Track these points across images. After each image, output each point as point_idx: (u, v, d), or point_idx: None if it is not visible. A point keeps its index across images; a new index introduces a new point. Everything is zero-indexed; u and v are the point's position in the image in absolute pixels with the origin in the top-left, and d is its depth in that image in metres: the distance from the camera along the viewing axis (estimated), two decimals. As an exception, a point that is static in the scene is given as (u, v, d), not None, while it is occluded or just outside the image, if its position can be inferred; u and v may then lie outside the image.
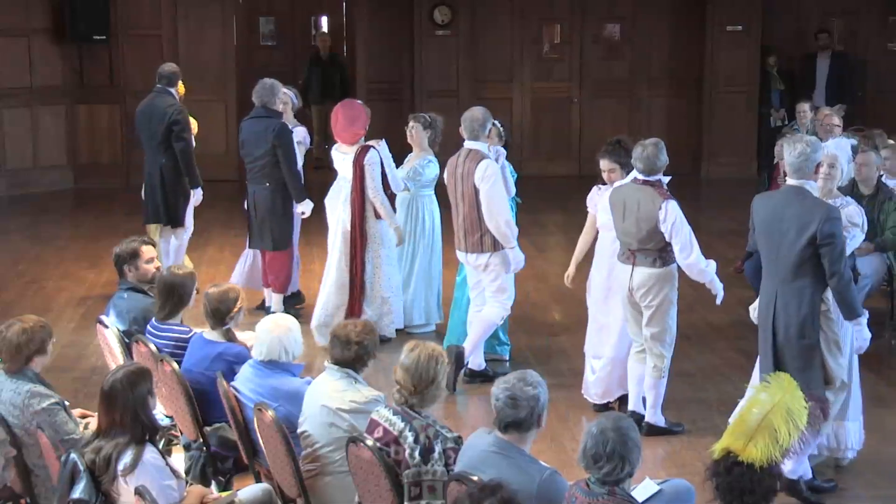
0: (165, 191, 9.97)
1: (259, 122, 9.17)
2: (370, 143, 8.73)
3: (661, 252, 6.91)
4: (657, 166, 6.88)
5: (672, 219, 6.80)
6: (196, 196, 10.08)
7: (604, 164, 7.47)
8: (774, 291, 6.22)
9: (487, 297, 7.95)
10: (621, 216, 7.00)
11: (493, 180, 7.67)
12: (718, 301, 7.19)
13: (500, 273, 7.83)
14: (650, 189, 6.85)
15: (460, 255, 8.03)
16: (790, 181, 6.18)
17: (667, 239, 6.85)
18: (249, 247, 9.57)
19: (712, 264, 7.02)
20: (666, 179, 7.00)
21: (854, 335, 6.32)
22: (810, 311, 6.10)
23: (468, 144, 7.84)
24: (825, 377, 6.16)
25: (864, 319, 6.23)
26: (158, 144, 9.92)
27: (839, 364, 6.19)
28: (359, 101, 9.08)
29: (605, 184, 7.56)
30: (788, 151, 6.13)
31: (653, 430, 7.10)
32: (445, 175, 8.03)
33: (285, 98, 9.61)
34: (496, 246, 7.76)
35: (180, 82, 10.23)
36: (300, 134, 9.63)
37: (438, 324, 9.19)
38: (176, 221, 9.98)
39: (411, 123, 9.05)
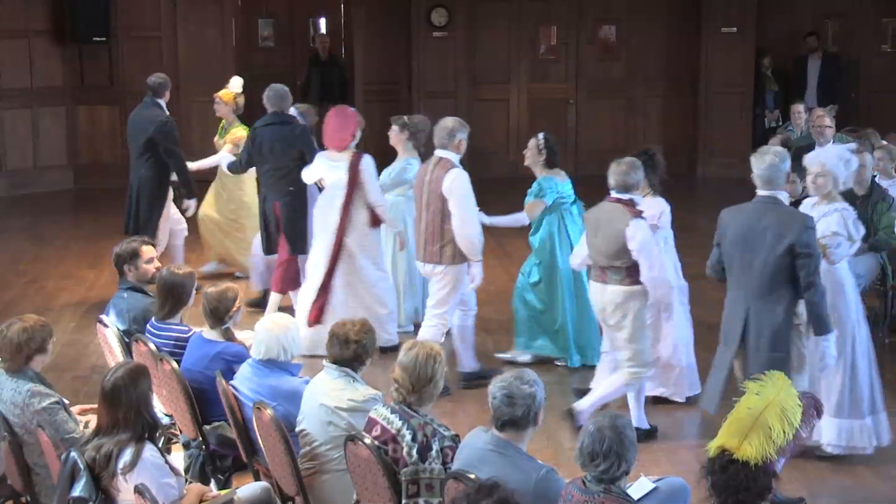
0: (138, 203, 9.85)
1: (282, 129, 8.96)
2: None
3: (630, 270, 6.84)
4: (628, 183, 6.84)
5: (640, 237, 6.74)
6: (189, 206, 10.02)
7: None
8: (746, 304, 6.16)
9: (428, 306, 7.80)
10: (594, 233, 6.98)
11: (462, 191, 7.51)
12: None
13: (447, 285, 7.65)
14: (621, 207, 6.83)
15: (418, 264, 7.87)
16: (760, 192, 6.13)
17: (634, 257, 6.78)
18: (267, 253, 9.31)
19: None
20: (639, 199, 6.94)
21: (823, 351, 6.14)
22: (784, 323, 6.04)
23: (438, 153, 7.67)
24: None
25: (832, 336, 6.10)
26: (140, 156, 9.83)
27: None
28: (352, 109, 8.79)
29: None
30: (757, 164, 6.09)
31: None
32: (416, 182, 7.89)
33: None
34: (455, 259, 7.58)
35: None
36: None
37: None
38: (140, 232, 9.50)
39: (392, 126, 8.94)
